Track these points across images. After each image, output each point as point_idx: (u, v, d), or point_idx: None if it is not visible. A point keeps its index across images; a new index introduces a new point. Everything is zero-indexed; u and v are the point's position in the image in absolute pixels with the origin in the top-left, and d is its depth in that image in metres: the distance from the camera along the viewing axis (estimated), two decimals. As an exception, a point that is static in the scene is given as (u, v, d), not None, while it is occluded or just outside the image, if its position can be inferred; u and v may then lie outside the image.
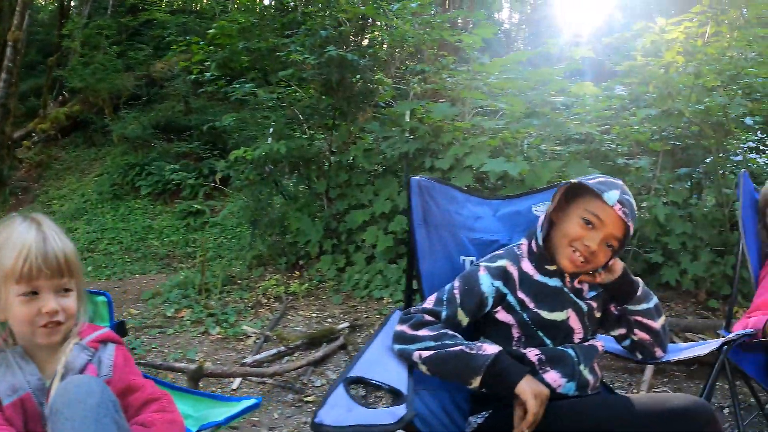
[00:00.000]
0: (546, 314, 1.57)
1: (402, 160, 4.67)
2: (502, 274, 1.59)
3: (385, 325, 1.69)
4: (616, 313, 1.70)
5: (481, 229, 1.92)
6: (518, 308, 1.58)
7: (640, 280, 1.68)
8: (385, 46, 5.21)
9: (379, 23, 5.21)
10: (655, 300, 1.67)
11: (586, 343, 1.61)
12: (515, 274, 1.60)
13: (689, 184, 4.66)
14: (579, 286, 1.64)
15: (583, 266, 1.55)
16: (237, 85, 5.22)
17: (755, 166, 4.72)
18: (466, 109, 4.91)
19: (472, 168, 3.97)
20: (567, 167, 4.03)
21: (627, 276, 1.64)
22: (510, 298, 1.58)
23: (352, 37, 5.32)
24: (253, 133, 5.58)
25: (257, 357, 3.60)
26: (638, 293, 1.64)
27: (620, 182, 1.56)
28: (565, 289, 1.61)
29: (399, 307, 1.84)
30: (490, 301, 1.58)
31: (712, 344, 1.61)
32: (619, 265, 1.62)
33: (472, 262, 1.82)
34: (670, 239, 4.15)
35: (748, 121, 4.84)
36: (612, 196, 1.47)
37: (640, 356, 1.73)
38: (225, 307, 4.46)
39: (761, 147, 5.21)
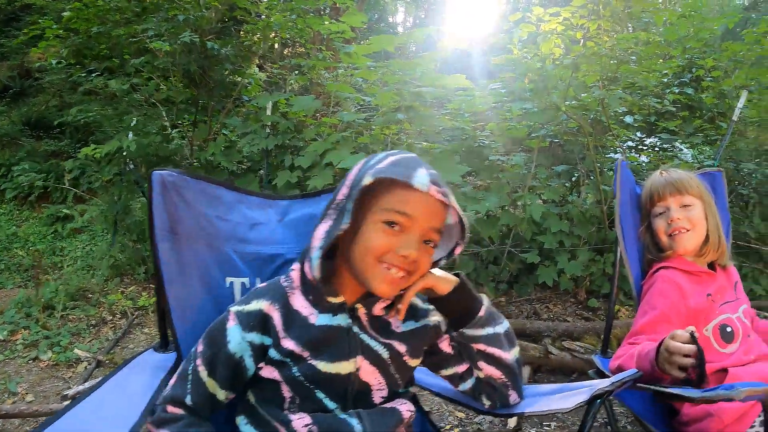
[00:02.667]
0: (324, 366, 1.13)
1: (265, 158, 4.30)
2: (259, 322, 1.14)
3: (116, 372, 1.25)
4: (451, 344, 1.28)
5: (258, 240, 1.49)
6: (288, 361, 1.14)
7: (485, 296, 1.26)
8: (258, 37, 4.77)
9: (250, 12, 4.77)
10: (505, 325, 1.25)
11: (387, 406, 1.19)
12: (277, 317, 1.14)
13: (569, 181, 4.52)
14: (387, 319, 1.21)
15: (407, 281, 1.13)
16: (84, 75, 4.67)
17: (635, 163, 4.63)
18: (350, 103, 4.59)
19: (333, 166, 3.62)
20: (434, 163, 3.75)
21: (464, 289, 1.20)
22: (272, 351, 1.14)
23: (219, 25, 4.86)
24: (106, 128, 5.01)
25: (83, 387, 3.10)
26: (481, 313, 1.21)
27: (414, 155, 1.15)
28: (354, 329, 1.17)
29: (155, 344, 1.43)
30: (249, 363, 1.14)
31: (579, 396, 1.14)
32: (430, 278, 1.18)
33: (244, 285, 1.42)
34: (545, 238, 3.96)
35: (628, 119, 4.77)
36: (422, 178, 1.06)
37: (487, 402, 1.27)
38: (64, 326, 3.92)
39: (641, 146, 5.17)
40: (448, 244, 1.22)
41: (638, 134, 5.30)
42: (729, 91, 5.11)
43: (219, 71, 4.59)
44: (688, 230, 1.75)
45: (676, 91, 5.19)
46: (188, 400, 1.12)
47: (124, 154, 4.39)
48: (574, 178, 4.50)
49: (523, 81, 4.24)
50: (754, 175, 4.47)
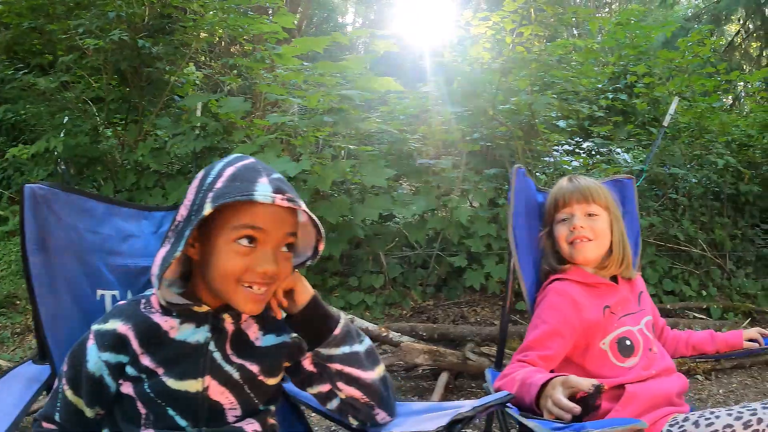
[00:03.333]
0: (173, 383, 1.10)
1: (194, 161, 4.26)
2: (114, 341, 1.10)
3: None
4: (313, 363, 1.23)
5: (130, 252, 1.46)
6: (143, 377, 1.11)
7: (342, 313, 1.21)
8: (192, 35, 4.70)
9: (185, 10, 4.70)
10: (366, 343, 1.20)
11: (236, 425, 1.14)
12: (132, 336, 1.10)
13: (499, 185, 4.56)
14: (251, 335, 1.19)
15: (271, 293, 1.10)
16: (11, 72, 4.56)
17: (569, 167, 4.71)
18: (288, 105, 4.55)
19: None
20: (360, 167, 3.77)
21: (318, 305, 1.16)
22: (129, 368, 1.11)
23: (153, 23, 4.77)
24: (37, 127, 4.90)
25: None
26: (336, 331, 1.16)
27: (249, 158, 1.11)
28: (210, 346, 1.13)
29: (33, 354, 1.38)
30: (109, 381, 1.11)
31: (441, 420, 1.08)
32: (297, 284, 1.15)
33: (115, 297, 1.39)
34: (473, 242, 3.99)
35: (561, 124, 4.84)
36: (264, 189, 1.02)
37: (354, 422, 1.22)
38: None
39: (578, 150, 5.25)
40: (307, 241, 1.19)
41: (576, 139, 5.38)
42: (663, 97, 5.24)
43: (151, 70, 4.52)
44: (590, 240, 1.64)
45: (610, 97, 5.29)
46: (57, 417, 1.12)
47: (55, 154, 4.30)
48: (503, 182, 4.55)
49: (453, 85, 4.27)
50: (685, 180, 4.59)
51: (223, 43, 5.25)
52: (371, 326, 3.26)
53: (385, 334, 3.23)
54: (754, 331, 1.82)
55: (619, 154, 5.13)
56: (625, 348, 1.55)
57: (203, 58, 5.09)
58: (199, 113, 4.13)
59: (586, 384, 1.20)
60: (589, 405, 1.18)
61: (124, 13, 4.34)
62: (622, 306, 1.62)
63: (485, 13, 4.29)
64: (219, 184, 1.05)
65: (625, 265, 1.68)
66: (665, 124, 4.19)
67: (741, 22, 12.93)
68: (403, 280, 4.07)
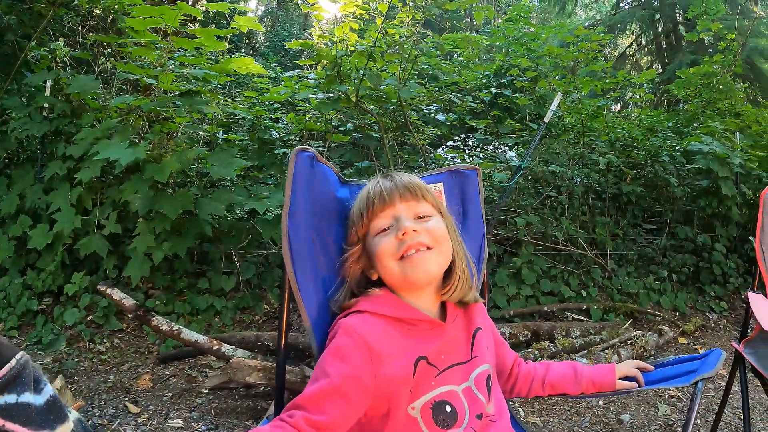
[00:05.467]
0: None
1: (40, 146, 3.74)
2: None
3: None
4: None
5: None
6: None
7: (18, 349, 0.80)
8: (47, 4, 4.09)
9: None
10: (48, 393, 0.71)
11: None
12: None
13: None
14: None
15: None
16: None
17: (450, 161, 4.43)
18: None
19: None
20: (211, 157, 3.32)
21: None
22: None
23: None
24: None
25: None
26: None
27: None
28: None
29: None
30: None
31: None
32: None
33: None
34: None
35: (441, 117, 4.57)
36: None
37: None
38: None
39: (462, 147, 5.01)
40: None
41: (462, 135, 5.15)
42: (549, 94, 5.09)
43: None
44: (430, 248, 1.17)
45: (494, 91, 5.08)
46: None
47: None
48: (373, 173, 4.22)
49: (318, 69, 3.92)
50: (566, 178, 4.41)
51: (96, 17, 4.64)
52: (200, 338, 2.80)
53: (216, 347, 2.78)
54: (631, 367, 1.39)
55: (505, 151, 4.93)
56: (443, 415, 1.11)
57: (79, 30, 4.45)
58: (48, 92, 3.60)
59: None
60: None
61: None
62: (446, 354, 1.16)
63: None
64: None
65: (466, 285, 1.24)
66: (546, 119, 4.00)
67: (634, 35, 13.42)
68: (258, 281, 3.64)
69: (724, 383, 2.31)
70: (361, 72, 3.60)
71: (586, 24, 13.59)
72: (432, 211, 1.23)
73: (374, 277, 1.22)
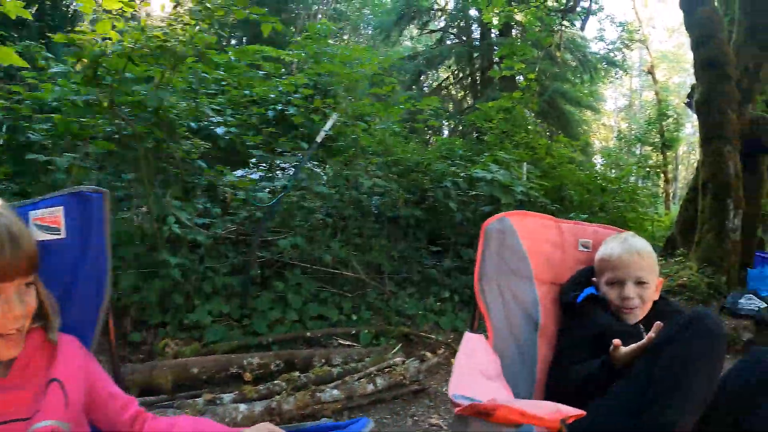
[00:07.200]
0: None
1: None
2: None
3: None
4: None
5: None
6: None
7: None
8: None
9: None
10: None
11: None
12: None
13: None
14: None
15: None
16: None
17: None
18: None
19: None
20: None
21: None
22: None
23: None
24: None
25: None
26: None
27: None
28: None
29: None
30: None
31: None
32: None
33: None
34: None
35: (220, 130, 4.31)
36: None
37: None
38: None
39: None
40: None
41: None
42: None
43: None
44: None
45: (279, 107, 4.88)
46: None
47: None
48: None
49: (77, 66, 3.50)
50: (337, 199, 4.32)
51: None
52: None
53: None
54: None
55: (285, 169, 4.75)
56: None
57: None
58: None
59: None
60: None
61: None
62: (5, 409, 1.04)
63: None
64: None
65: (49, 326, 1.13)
66: (318, 139, 3.90)
67: (452, 69, 14.17)
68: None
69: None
70: (119, 76, 3.27)
71: (407, 54, 14.09)
72: None
73: None
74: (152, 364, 3.18)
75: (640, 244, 1.80)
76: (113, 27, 3.76)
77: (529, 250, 1.93)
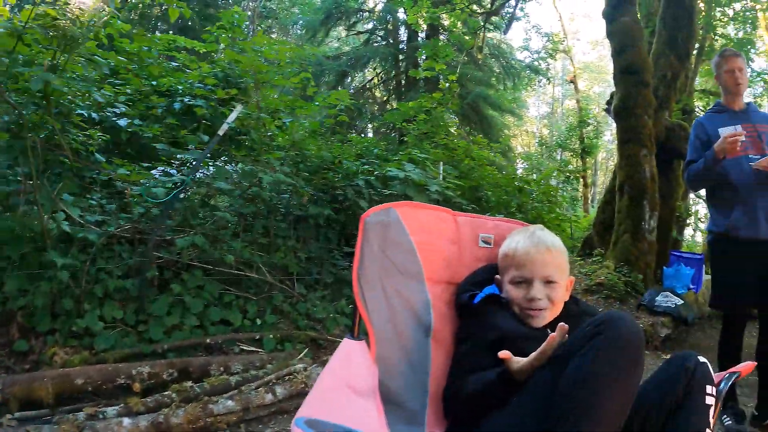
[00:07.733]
0: None
1: None
2: None
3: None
4: None
5: None
6: None
7: None
8: None
9: None
10: None
11: None
12: None
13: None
14: None
15: None
16: None
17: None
18: None
19: None
20: None
21: None
22: None
23: None
24: None
25: None
26: None
27: None
28: None
29: None
30: None
31: None
32: None
33: None
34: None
35: (122, 122, 4.03)
36: None
37: None
38: None
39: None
40: None
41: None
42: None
43: None
44: None
45: (177, 107, 4.58)
46: None
47: None
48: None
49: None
50: (240, 197, 4.11)
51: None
52: None
53: None
54: None
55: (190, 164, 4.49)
56: None
57: None
58: None
59: None
60: None
61: None
62: None
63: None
64: None
65: None
66: (220, 132, 3.68)
67: (377, 70, 14.11)
68: None
69: None
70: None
71: (332, 53, 13.94)
72: None
73: None
74: (33, 375, 2.88)
75: (549, 238, 1.66)
76: (5, 3, 3.47)
77: (420, 245, 1.74)
